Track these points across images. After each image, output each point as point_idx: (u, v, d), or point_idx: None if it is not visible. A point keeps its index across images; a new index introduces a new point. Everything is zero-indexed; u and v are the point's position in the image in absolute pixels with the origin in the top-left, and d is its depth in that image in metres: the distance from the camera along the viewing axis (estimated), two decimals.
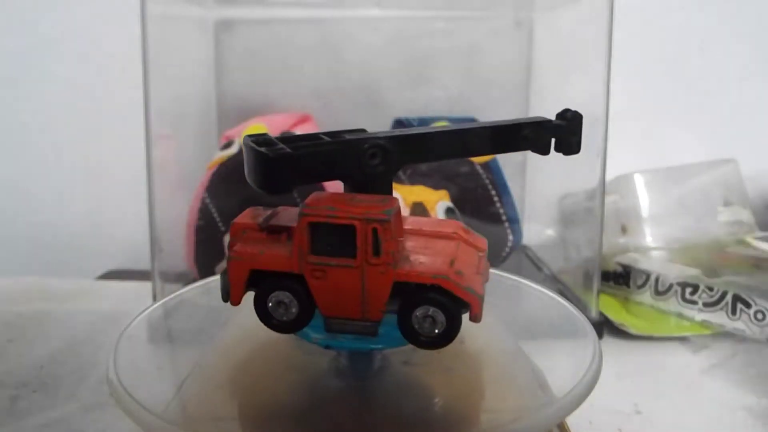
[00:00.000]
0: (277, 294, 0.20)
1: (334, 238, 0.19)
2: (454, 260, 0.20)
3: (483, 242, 0.23)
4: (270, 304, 0.21)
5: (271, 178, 0.20)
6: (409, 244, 0.21)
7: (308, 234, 0.19)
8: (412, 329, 0.20)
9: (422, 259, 0.20)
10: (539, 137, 0.23)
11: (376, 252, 0.19)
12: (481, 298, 0.19)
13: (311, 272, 0.20)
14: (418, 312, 0.19)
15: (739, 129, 0.63)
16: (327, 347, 0.21)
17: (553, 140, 0.23)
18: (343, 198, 0.20)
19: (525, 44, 0.58)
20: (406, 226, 0.22)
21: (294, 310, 0.21)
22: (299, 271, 0.20)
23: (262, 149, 0.20)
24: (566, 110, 0.23)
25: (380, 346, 0.21)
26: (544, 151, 0.23)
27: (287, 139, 0.21)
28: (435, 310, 0.19)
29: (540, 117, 0.23)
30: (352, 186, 0.22)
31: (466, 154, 0.23)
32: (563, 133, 0.23)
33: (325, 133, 0.21)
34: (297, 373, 0.23)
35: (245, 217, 0.22)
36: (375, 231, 0.19)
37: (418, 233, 0.22)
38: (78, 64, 0.62)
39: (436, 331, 0.19)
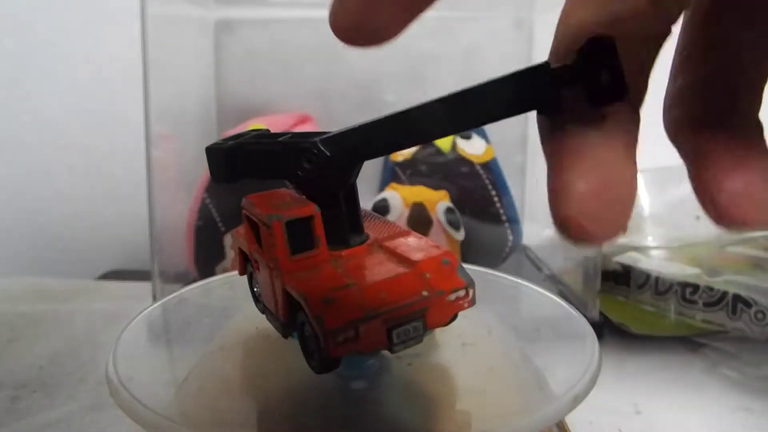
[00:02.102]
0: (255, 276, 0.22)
1: (258, 234, 0.20)
2: (351, 287, 0.18)
3: (456, 283, 0.19)
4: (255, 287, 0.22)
5: (211, 168, 0.21)
6: (365, 259, 0.20)
7: (247, 226, 0.21)
8: (303, 345, 0.19)
9: (317, 275, 0.19)
10: (534, 92, 0.16)
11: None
12: (326, 333, 0.17)
13: (254, 261, 0.21)
14: (306, 329, 0.18)
15: None
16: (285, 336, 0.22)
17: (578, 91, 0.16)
18: (275, 196, 0.21)
19: (525, 44, 0.57)
20: (388, 243, 0.21)
21: None
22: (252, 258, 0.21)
23: (214, 142, 0.21)
24: (591, 40, 0.16)
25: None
26: (553, 109, 0.16)
27: (260, 135, 0.21)
28: (312, 331, 0.18)
29: (535, 64, 0.17)
30: (298, 187, 0.21)
31: (427, 138, 0.18)
32: (582, 77, 0.16)
33: (298, 134, 0.20)
34: (296, 373, 0.23)
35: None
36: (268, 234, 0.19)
37: (387, 250, 0.21)
38: (78, 64, 0.62)
39: (316, 353, 0.18)
